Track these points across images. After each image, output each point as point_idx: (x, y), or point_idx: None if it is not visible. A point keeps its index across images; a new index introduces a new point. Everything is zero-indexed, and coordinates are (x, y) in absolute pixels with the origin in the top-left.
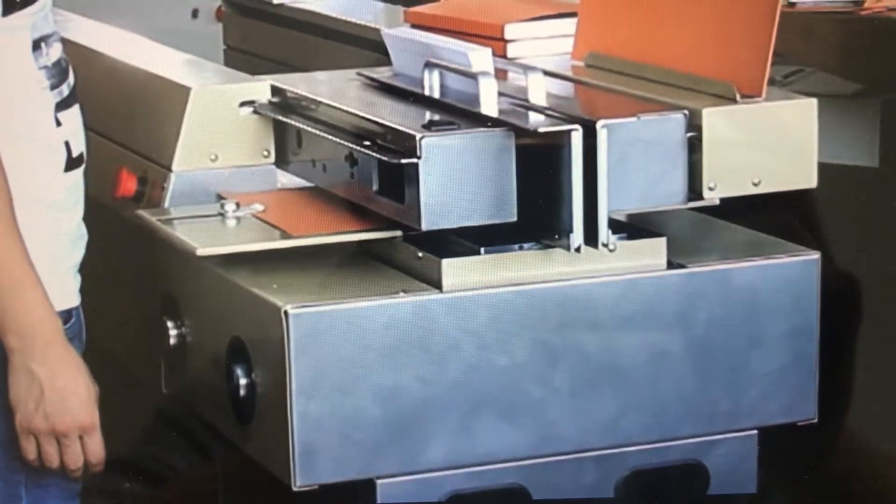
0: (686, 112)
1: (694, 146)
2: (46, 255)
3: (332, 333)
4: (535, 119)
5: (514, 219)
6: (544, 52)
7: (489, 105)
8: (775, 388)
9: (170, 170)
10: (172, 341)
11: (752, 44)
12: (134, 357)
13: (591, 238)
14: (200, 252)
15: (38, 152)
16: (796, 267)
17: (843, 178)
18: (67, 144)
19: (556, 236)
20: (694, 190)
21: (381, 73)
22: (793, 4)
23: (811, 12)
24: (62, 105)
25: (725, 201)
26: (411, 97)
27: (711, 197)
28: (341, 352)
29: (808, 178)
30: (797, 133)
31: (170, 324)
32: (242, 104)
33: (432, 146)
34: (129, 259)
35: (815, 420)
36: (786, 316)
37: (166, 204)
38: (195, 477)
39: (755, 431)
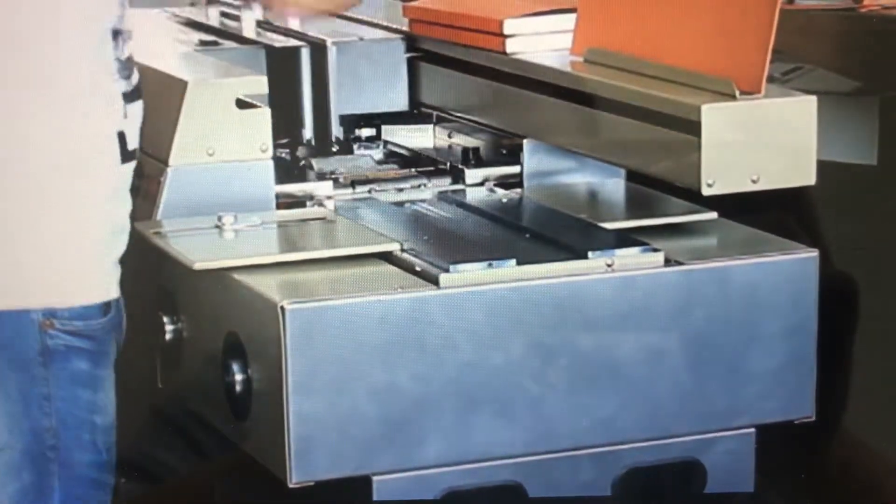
0: None
1: (693, 144)
2: (95, 246)
3: (328, 329)
4: (276, 38)
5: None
6: (544, 47)
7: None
8: (773, 386)
9: (166, 164)
10: (168, 336)
11: (752, 40)
12: (129, 352)
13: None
14: (197, 266)
15: (100, 142)
16: (795, 264)
17: (842, 175)
18: (123, 136)
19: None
20: (693, 187)
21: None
22: (792, 1)
23: (811, 9)
24: (129, 97)
25: (723, 198)
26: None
27: (710, 194)
28: (338, 348)
29: (807, 176)
30: (796, 130)
31: (165, 319)
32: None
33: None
34: (125, 254)
35: (813, 418)
36: (784, 314)
37: (163, 198)
38: (190, 473)
39: (752, 429)
